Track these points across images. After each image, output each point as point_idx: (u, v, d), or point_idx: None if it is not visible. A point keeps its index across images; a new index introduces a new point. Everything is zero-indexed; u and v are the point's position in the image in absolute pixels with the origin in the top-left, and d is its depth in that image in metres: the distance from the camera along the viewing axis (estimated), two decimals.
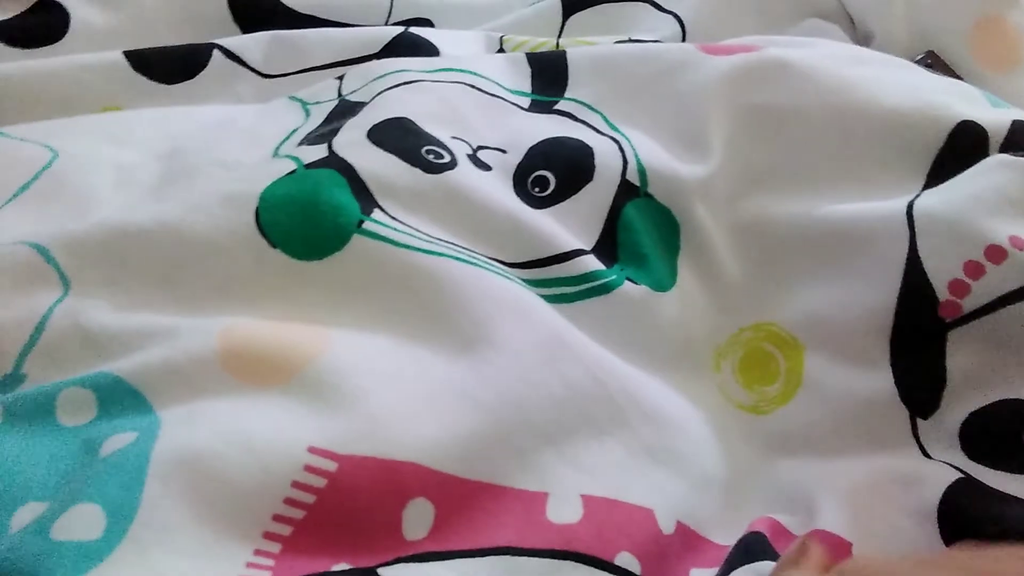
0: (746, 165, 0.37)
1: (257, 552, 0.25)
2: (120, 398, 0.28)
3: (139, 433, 0.26)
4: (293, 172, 0.33)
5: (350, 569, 0.26)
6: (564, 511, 0.28)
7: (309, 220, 0.32)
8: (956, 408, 0.32)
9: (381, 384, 0.29)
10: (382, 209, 0.33)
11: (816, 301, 0.34)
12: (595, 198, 0.36)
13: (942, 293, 0.32)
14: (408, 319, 0.31)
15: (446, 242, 0.33)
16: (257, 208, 0.32)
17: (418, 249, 0.32)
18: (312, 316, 0.31)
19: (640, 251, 0.35)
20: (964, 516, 0.29)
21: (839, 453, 0.33)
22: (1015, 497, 0.30)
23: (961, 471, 0.31)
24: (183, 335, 0.29)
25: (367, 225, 0.32)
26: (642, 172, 0.36)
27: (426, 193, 0.34)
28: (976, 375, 0.32)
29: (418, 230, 0.33)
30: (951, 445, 0.32)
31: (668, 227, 0.36)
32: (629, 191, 0.36)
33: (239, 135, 0.39)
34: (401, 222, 0.33)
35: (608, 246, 0.35)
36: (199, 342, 0.29)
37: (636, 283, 0.34)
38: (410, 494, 0.27)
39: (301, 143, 0.36)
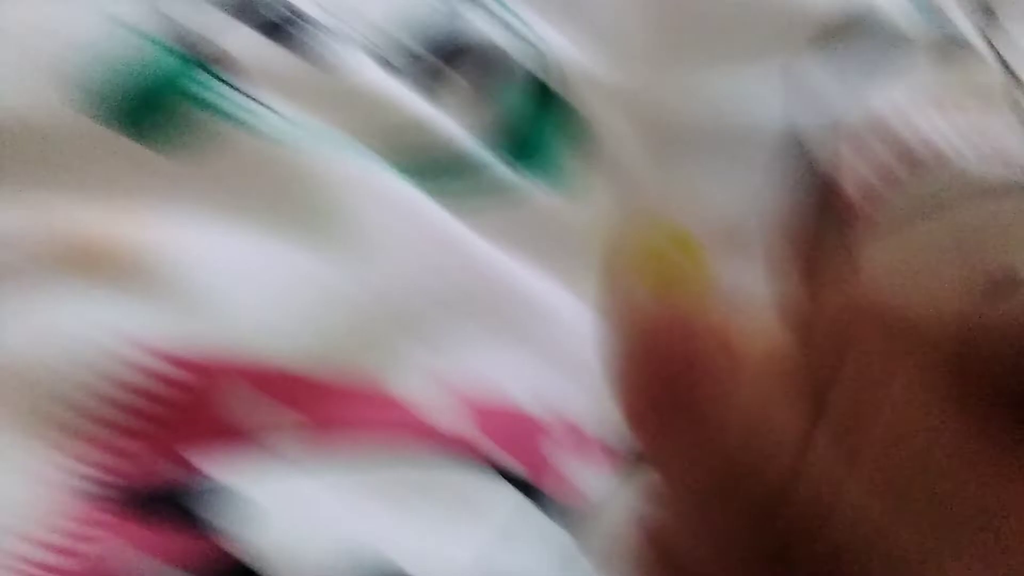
0: (645, 52, 0.35)
1: (74, 458, 0.23)
2: None
3: None
4: (132, 41, 0.29)
5: (183, 470, 0.23)
6: (444, 412, 0.27)
7: (143, 96, 0.28)
8: None
9: (227, 278, 0.26)
10: (248, 94, 0.30)
11: (716, 198, 0.34)
12: (498, 96, 0.34)
13: (851, 194, 0.31)
14: (261, 210, 0.28)
15: (318, 129, 0.30)
16: (83, 81, 0.28)
17: (285, 139, 0.29)
18: (148, 205, 0.27)
19: (547, 155, 0.34)
20: None
21: None
22: None
23: None
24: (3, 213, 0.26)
25: (227, 108, 0.28)
26: (549, 68, 0.34)
27: (312, 85, 0.31)
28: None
29: (282, 113, 0.30)
30: None
31: (577, 127, 0.34)
32: (536, 88, 0.34)
33: None
34: (262, 103, 0.29)
35: (512, 150, 0.33)
36: (14, 227, 0.26)
37: (542, 189, 0.33)
38: (264, 392, 0.25)
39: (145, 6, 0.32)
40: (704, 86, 0.35)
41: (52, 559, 0.21)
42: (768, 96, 0.34)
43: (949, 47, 0.34)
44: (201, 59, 0.30)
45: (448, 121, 0.32)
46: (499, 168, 0.32)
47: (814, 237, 0.32)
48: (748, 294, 0.31)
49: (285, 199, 0.28)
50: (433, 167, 0.31)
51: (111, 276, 0.25)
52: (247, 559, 0.22)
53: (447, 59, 0.34)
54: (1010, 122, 0.32)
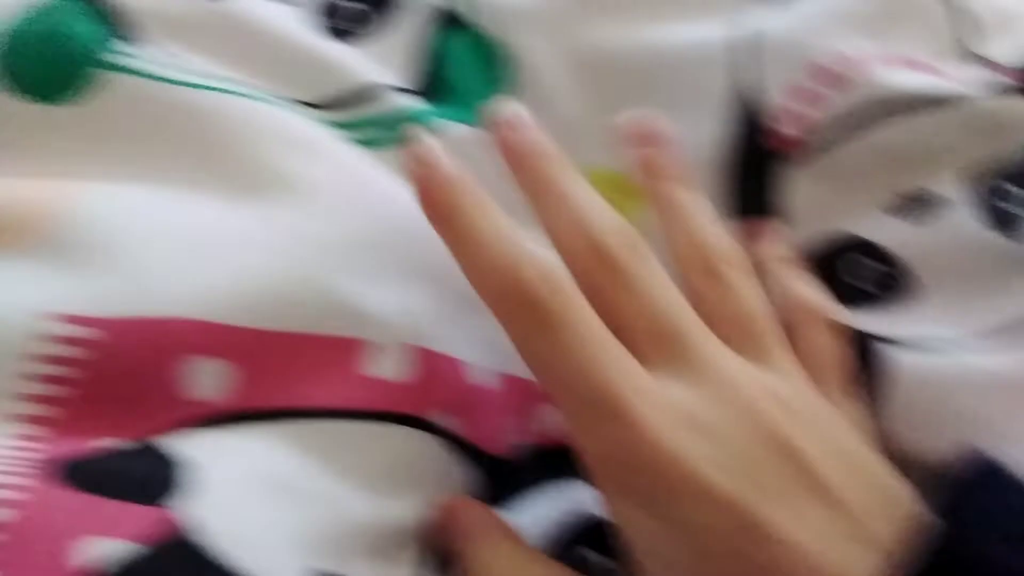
0: None
1: (16, 435, 0.22)
2: None
3: None
4: (33, 3, 0.28)
5: (116, 444, 0.22)
6: (381, 363, 0.25)
7: (46, 57, 0.27)
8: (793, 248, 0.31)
9: (145, 238, 0.25)
10: (141, 41, 0.28)
11: None
12: (409, 29, 0.32)
13: (773, 122, 0.30)
14: (175, 165, 0.26)
15: (227, 79, 0.29)
16: None
17: (186, 84, 0.27)
18: (57, 168, 0.26)
19: (465, 91, 0.32)
20: None
21: None
22: None
23: None
24: None
25: (119, 59, 0.27)
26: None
27: (203, 23, 0.29)
28: (810, 209, 0.31)
29: (190, 66, 0.28)
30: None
31: (499, 63, 0.32)
32: (452, 21, 0.32)
33: None
34: (166, 56, 0.28)
35: (428, 86, 0.31)
36: None
37: (454, 123, 0.31)
38: (194, 351, 0.23)
39: None
40: (642, 30, 0.33)
41: None
42: (707, 34, 0.32)
43: None
44: (100, 15, 0.28)
45: (349, 53, 0.30)
46: (406, 101, 0.30)
47: (745, 173, 0.31)
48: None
49: (194, 150, 0.27)
50: (333, 100, 0.30)
51: (23, 244, 0.24)
52: (188, 528, 0.21)
53: None
54: (937, 38, 0.32)
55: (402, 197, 0.27)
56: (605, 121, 0.32)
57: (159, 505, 0.21)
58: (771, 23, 0.31)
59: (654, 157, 0.29)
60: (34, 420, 0.22)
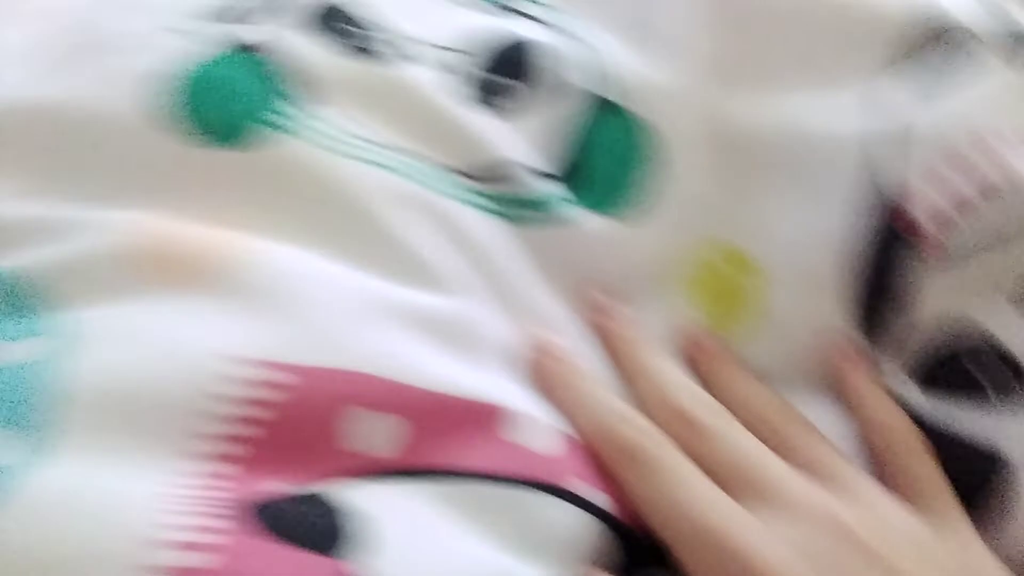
0: (714, 66, 0.33)
1: (198, 473, 0.22)
2: (8, 298, 0.25)
3: (41, 342, 0.24)
4: (213, 54, 0.29)
5: (302, 487, 0.23)
6: (537, 437, 0.27)
7: (224, 110, 0.28)
8: (910, 333, 0.31)
9: (317, 288, 0.26)
10: (314, 101, 0.29)
11: (780, 220, 0.32)
12: (558, 110, 0.32)
13: (925, 225, 0.30)
14: (328, 238, 0.27)
15: (388, 148, 0.29)
16: (172, 90, 0.28)
17: (345, 154, 0.28)
18: (217, 214, 0.27)
19: (609, 174, 0.32)
20: None
21: (795, 388, 0.32)
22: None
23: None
24: (87, 229, 0.26)
25: (282, 120, 0.28)
26: (611, 79, 0.32)
27: (373, 87, 0.30)
28: (939, 304, 0.31)
29: (356, 130, 0.29)
30: (899, 372, 0.32)
31: (642, 143, 0.33)
32: (598, 102, 0.32)
33: (152, 5, 0.33)
34: (334, 117, 0.29)
35: (568, 167, 0.32)
36: (107, 238, 0.25)
37: (595, 212, 0.31)
38: (370, 406, 0.24)
39: (225, 20, 0.32)
40: (777, 104, 0.33)
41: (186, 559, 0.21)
42: (843, 116, 0.31)
43: (1017, 45, 0.32)
44: (274, 72, 0.29)
45: (497, 127, 0.31)
46: (543, 185, 0.31)
47: (876, 266, 0.31)
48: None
49: (321, 203, 0.28)
50: (482, 172, 0.30)
51: (199, 284, 0.25)
52: None
53: (506, 72, 0.32)
54: None
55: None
56: (735, 197, 0.33)
57: (332, 556, 0.22)
58: (908, 109, 0.31)
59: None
60: (225, 459, 0.23)
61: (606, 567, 0.27)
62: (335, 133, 0.29)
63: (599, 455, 0.27)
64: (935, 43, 0.32)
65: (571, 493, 0.26)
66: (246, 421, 0.23)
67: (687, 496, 0.26)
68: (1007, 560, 0.27)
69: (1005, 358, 0.30)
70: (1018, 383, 0.30)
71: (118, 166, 0.28)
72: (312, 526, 0.22)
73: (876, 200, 0.31)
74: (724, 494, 0.26)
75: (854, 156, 0.31)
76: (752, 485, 0.26)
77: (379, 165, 0.28)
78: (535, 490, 0.26)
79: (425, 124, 0.30)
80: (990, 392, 0.30)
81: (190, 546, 0.20)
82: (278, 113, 0.28)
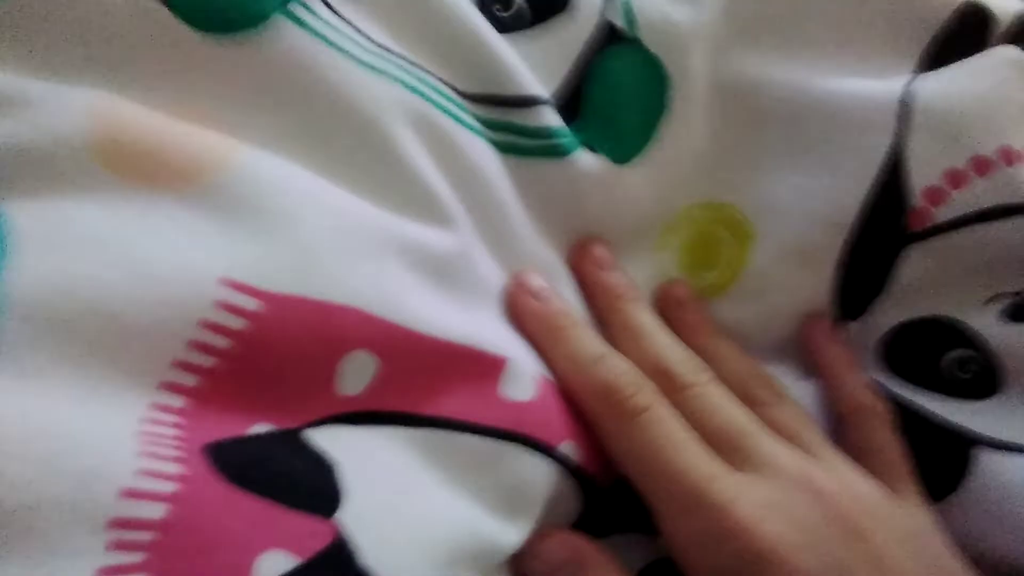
0: (739, 15, 0.32)
1: (155, 406, 0.19)
2: None
3: None
4: None
5: (271, 432, 0.21)
6: (518, 386, 0.26)
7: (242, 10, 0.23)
8: (885, 316, 0.31)
9: (310, 208, 0.22)
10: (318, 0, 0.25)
11: (782, 187, 0.31)
12: (566, 36, 0.30)
13: (915, 199, 0.30)
14: (324, 144, 0.24)
15: (394, 54, 0.26)
16: None
17: (349, 54, 0.25)
18: (214, 112, 0.23)
19: (610, 111, 0.30)
20: None
21: (764, 355, 0.32)
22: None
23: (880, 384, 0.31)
24: (40, 106, 0.21)
25: (295, 9, 0.24)
26: (628, 11, 0.31)
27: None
28: (918, 288, 0.31)
29: (362, 32, 0.26)
30: (870, 354, 0.32)
31: (654, 82, 0.31)
32: (611, 34, 0.30)
33: None
34: (342, 17, 0.26)
35: (572, 98, 0.30)
36: (61, 118, 0.21)
37: (595, 151, 0.30)
38: (349, 344, 0.22)
39: None
40: (794, 69, 0.31)
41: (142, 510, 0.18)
42: (863, 92, 0.30)
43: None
44: None
45: (515, 58, 0.29)
46: (554, 120, 0.29)
47: (866, 242, 0.31)
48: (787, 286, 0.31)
49: (329, 114, 0.24)
50: (484, 97, 0.28)
51: (179, 190, 0.21)
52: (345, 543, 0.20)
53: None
54: None
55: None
56: (735, 154, 0.32)
57: (292, 505, 0.20)
58: (939, 95, 0.30)
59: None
60: (174, 389, 0.20)
61: (565, 515, 0.27)
62: (346, 31, 0.25)
63: (577, 399, 0.27)
64: (960, 26, 0.31)
65: (546, 445, 0.26)
66: (201, 348, 0.20)
67: (671, 451, 0.25)
68: (961, 547, 0.27)
69: (975, 349, 0.30)
70: (986, 374, 0.30)
71: (91, 30, 0.22)
72: (272, 471, 0.20)
73: (877, 175, 0.30)
74: (705, 449, 0.26)
75: (883, 137, 0.30)
76: (730, 444, 0.26)
77: (386, 74, 0.25)
78: (515, 443, 0.25)
79: (437, 38, 0.27)
80: (958, 380, 0.30)
81: (135, 494, 0.18)
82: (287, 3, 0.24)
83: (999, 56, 0.30)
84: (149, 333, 0.19)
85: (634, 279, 0.32)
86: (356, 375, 0.23)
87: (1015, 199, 0.29)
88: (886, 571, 0.24)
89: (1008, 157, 0.29)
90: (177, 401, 0.20)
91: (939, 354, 0.31)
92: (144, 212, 0.21)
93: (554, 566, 0.26)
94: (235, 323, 0.20)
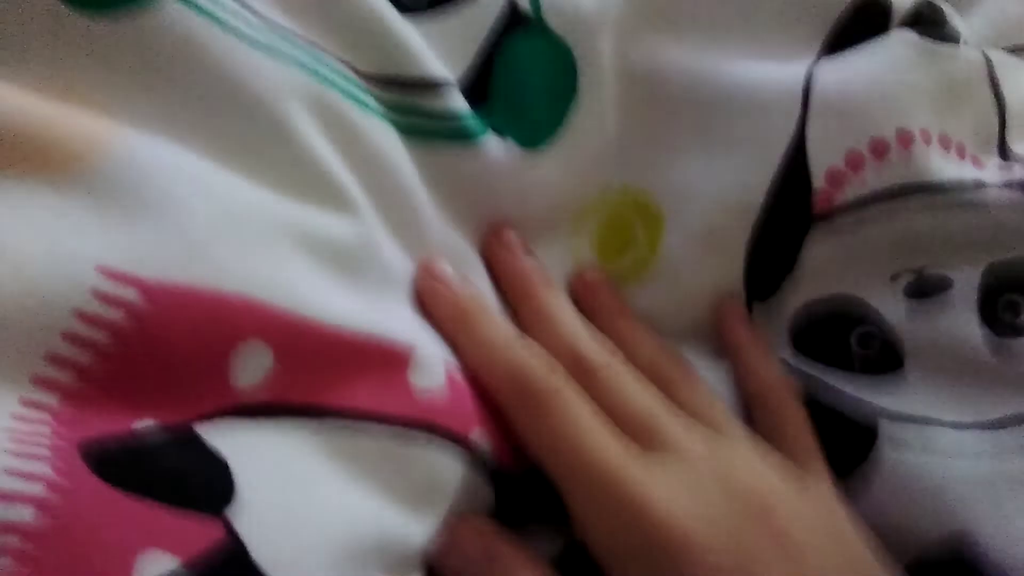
0: (641, 3, 0.32)
1: (26, 402, 0.18)
2: None
3: None
4: None
5: (155, 428, 0.20)
6: (426, 375, 0.25)
7: None
8: (792, 296, 0.32)
9: (197, 194, 0.21)
10: None
11: (690, 171, 0.32)
12: (472, 19, 0.29)
13: (819, 181, 0.30)
14: (206, 126, 0.23)
15: (292, 35, 0.25)
16: None
17: (234, 31, 0.23)
18: (94, 94, 0.22)
19: (518, 96, 0.30)
20: None
21: (678, 339, 0.32)
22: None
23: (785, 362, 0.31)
24: None
25: None
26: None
27: None
28: (823, 268, 0.31)
29: (257, 12, 0.25)
30: (779, 334, 0.32)
31: (562, 67, 0.31)
32: (515, 17, 0.30)
33: None
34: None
35: (478, 82, 0.29)
36: None
37: (503, 136, 0.29)
38: (242, 335, 0.21)
39: None
40: (704, 57, 0.31)
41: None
42: (769, 80, 0.31)
43: (926, 10, 0.32)
44: None
45: (419, 40, 0.28)
46: (461, 105, 0.28)
47: (774, 226, 0.31)
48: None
49: (211, 95, 0.23)
50: (387, 79, 0.27)
51: (52, 174, 0.20)
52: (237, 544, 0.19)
53: None
54: (986, 128, 0.31)
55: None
56: (645, 140, 0.32)
57: (177, 507, 0.19)
58: (837, 79, 0.31)
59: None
60: (45, 385, 0.19)
61: (477, 506, 0.27)
62: (238, 10, 0.24)
63: (487, 385, 0.27)
64: (857, 15, 0.32)
65: (456, 434, 0.25)
66: (76, 341, 0.19)
67: (581, 436, 0.25)
68: (867, 521, 0.28)
69: (880, 330, 0.31)
70: (888, 349, 0.31)
71: None
72: (153, 468, 0.19)
73: (783, 158, 0.30)
74: (614, 432, 0.26)
75: (786, 123, 0.30)
76: (640, 426, 0.26)
77: (281, 55, 0.24)
78: (424, 432, 0.24)
79: (339, 17, 0.27)
80: (862, 357, 0.31)
81: (2, 496, 0.17)
82: None
83: (896, 39, 0.31)
84: (20, 323, 0.18)
85: (548, 265, 0.31)
86: (251, 366, 0.22)
87: (913, 179, 0.30)
88: (791, 547, 0.25)
89: (905, 138, 0.30)
90: (51, 398, 0.19)
91: (847, 333, 0.31)
92: (15, 201, 0.19)
93: (466, 560, 0.25)
94: (113, 314, 0.19)
